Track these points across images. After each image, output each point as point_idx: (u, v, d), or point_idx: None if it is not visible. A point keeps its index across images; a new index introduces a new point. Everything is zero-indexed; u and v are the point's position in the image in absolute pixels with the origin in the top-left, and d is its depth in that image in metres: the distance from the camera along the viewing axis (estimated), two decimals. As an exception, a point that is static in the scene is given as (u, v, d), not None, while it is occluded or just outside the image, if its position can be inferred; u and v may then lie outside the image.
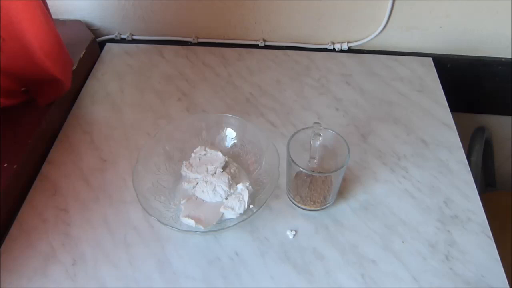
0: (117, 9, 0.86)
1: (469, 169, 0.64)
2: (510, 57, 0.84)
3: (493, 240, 0.55)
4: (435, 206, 0.59)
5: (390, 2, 0.78)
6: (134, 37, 0.90)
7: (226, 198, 0.57)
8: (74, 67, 0.75)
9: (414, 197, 0.61)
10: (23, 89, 0.68)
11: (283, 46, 0.88)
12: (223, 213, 0.56)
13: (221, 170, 0.59)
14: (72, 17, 0.87)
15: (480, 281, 0.52)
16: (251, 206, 0.56)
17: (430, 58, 0.84)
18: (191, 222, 0.54)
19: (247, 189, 0.56)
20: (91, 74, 0.81)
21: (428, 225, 0.57)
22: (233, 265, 0.53)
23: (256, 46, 0.88)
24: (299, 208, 0.59)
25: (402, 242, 0.55)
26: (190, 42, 0.89)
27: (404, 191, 0.61)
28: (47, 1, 0.69)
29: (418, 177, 0.63)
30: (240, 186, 0.57)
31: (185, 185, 0.59)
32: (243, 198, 0.55)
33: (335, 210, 0.59)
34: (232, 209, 0.55)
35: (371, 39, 0.85)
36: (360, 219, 0.58)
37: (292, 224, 0.57)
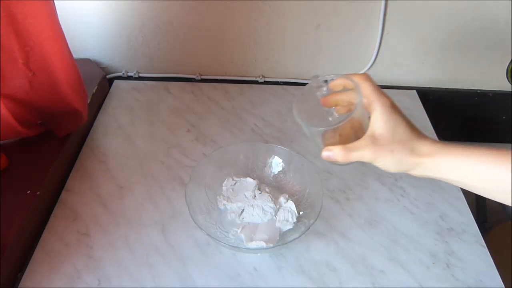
0: (125, 48, 0.92)
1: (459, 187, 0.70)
2: (484, 89, 0.94)
3: (486, 248, 0.61)
4: (432, 220, 0.65)
5: (378, 40, 0.88)
6: (141, 75, 0.95)
7: (276, 214, 0.61)
8: (88, 101, 0.80)
9: (413, 213, 0.66)
10: (39, 122, 0.72)
11: (281, 81, 0.95)
12: (280, 227, 0.60)
13: (260, 192, 0.63)
14: (82, 56, 0.93)
15: (479, 285, 0.57)
16: (301, 212, 0.61)
17: (415, 91, 0.93)
18: (261, 244, 0.57)
19: (290, 200, 0.62)
20: (102, 108, 0.86)
21: (428, 237, 0.62)
22: (253, 280, 0.57)
23: (255, 82, 0.95)
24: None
25: (406, 252, 0.60)
26: (194, 79, 0.95)
27: (404, 208, 0.67)
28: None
29: (415, 195, 0.69)
30: (282, 199, 0.62)
31: (232, 216, 0.62)
32: (291, 208, 0.61)
33: (343, 226, 0.64)
34: (287, 220, 0.60)
35: (361, 75, 0.93)
36: (366, 233, 0.63)
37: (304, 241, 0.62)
